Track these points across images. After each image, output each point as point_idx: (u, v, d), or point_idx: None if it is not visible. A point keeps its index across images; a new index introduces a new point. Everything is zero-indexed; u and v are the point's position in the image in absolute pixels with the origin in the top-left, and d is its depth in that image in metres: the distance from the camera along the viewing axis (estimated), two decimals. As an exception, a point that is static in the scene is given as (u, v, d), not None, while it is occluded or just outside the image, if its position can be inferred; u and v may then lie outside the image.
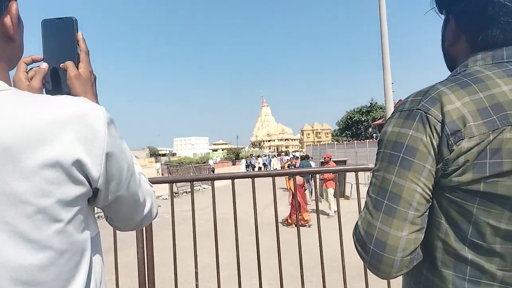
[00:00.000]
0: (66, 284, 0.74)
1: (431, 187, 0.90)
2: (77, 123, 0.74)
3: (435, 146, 0.88)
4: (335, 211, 10.47)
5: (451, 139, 0.86)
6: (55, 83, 0.93)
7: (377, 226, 0.90)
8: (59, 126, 0.72)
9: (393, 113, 0.99)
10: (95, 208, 0.90)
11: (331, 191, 10.95)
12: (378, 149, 0.99)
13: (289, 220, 9.58)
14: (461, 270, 0.90)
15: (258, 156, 46.94)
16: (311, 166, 12.78)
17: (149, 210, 0.99)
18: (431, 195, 0.91)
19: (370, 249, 0.91)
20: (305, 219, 9.56)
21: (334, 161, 13.53)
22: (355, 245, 0.97)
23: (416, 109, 0.91)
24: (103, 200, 0.84)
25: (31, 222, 0.69)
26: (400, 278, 1.06)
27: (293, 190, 9.67)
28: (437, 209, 0.92)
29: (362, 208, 1.03)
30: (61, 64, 0.92)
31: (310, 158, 14.09)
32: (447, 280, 0.91)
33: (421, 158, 0.89)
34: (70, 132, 0.72)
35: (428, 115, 0.89)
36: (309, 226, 9.30)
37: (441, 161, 0.88)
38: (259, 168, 37.27)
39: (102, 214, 1.01)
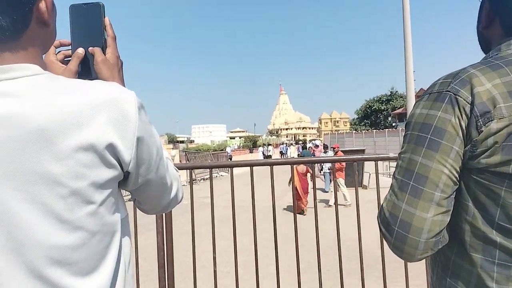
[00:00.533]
0: (97, 264, 0.76)
1: (458, 169, 0.89)
2: (109, 108, 0.75)
3: (464, 127, 0.87)
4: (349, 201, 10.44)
5: (480, 120, 0.85)
6: (83, 68, 0.94)
7: (402, 207, 0.90)
8: (93, 110, 0.73)
9: (421, 95, 0.98)
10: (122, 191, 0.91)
11: (341, 181, 10.92)
12: (405, 132, 0.99)
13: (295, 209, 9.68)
14: (490, 253, 0.89)
15: (269, 145, 46.33)
16: (310, 154, 12.84)
17: (175, 194, 1.00)
18: (458, 177, 0.90)
19: (395, 230, 0.91)
20: (302, 208, 9.65)
21: (352, 150, 13.45)
22: (380, 227, 0.97)
23: (446, 91, 0.91)
24: (133, 183, 0.85)
25: (65, 203, 0.70)
26: (419, 268, 1.05)
27: (300, 179, 9.84)
28: (464, 192, 0.91)
29: (383, 197, 1.02)
30: (89, 49, 0.94)
31: (329, 148, 14.01)
32: (476, 264, 0.90)
33: (449, 139, 0.88)
34: (103, 116, 0.74)
35: (457, 97, 0.88)
36: (304, 215, 9.36)
37: (470, 143, 0.87)
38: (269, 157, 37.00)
39: (129, 197, 1.03)
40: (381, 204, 0.99)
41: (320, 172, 12.59)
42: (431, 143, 0.89)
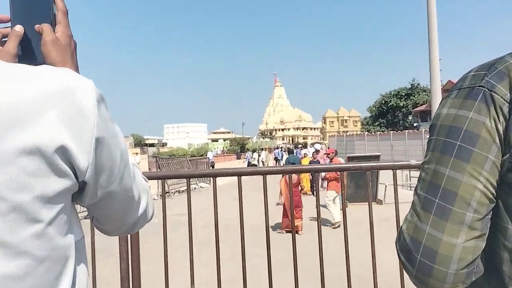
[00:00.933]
0: None
1: (495, 184, 0.89)
2: (61, 101, 0.74)
3: (501, 132, 0.87)
4: (337, 222, 10.47)
5: None
6: (26, 50, 0.92)
7: (426, 231, 0.90)
8: (39, 104, 0.71)
9: (449, 91, 0.98)
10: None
11: (330, 194, 11.01)
12: (429, 137, 0.99)
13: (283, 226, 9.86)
14: None
15: (254, 151, 45.77)
16: (299, 160, 12.95)
17: (144, 210, 1.00)
18: (495, 194, 0.90)
19: (417, 259, 0.91)
20: (296, 225, 9.62)
21: (364, 156, 13.52)
22: (398, 255, 0.97)
23: (479, 86, 0.91)
24: (91, 197, 0.84)
25: (4, 221, 0.68)
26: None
27: (288, 190, 9.89)
28: (502, 212, 0.91)
29: (402, 216, 1.02)
30: (36, 26, 0.92)
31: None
32: None
33: (483, 147, 0.88)
34: (53, 111, 0.72)
35: (493, 94, 0.88)
36: (299, 234, 9.44)
37: (509, 151, 0.87)
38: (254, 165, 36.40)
39: (85, 213, 1.02)
40: (400, 225, 0.99)
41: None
42: (461, 152, 0.89)
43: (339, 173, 10.90)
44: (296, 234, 9.45)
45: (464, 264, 0.88)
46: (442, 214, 0.89)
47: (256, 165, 36.17)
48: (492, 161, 0.88)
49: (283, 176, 10.75)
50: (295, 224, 9.54)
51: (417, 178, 0.99)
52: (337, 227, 10.29)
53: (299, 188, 10.36)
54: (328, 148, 14.58)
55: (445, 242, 0.88)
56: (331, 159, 12.17)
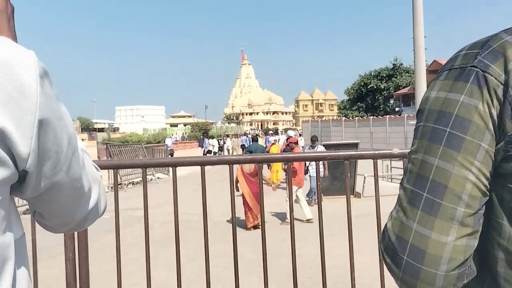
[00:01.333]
0: None
1: (488, 175, 0.90)
2: None
3: (495, 117, 0.88)
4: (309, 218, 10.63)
5: None
6: None
7: (413, 228, 0.90)
8: None
9: (438, 72, 0.99)
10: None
11: (297, 190, 11.13)
12: (416, 123, 0.99)
13: (247, 222, 10.02)
14: None
15: (212, 137, 45.68)
16: (262, 149, 13.09)
17: (95, 203, 0.99)
18: (488, 186, 0.91)
19: (403, 260, 0.91)
20: (257, 222, 9.94)
21: (341, 144, 13.68)
22: (383, 255, 0.97)
23: (471, 66, 0.91)
24: (34, 188, 0.82)
25: None
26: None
27: (246, 180, 10.04)
28: (496, 206, 0.92)
29: (384, 210, 1.03)
30: None
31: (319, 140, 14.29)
32: None
33: (476, 133, 0.88)
34: None
35: (486, 75, 0.89)
36: (257, 228, 9.69)
37: (504, 139, 0.88)
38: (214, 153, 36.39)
39: (24, 208, 1.00)
40: (381, 221, 0.99)
41: (306, 174, 12.77)
42: (451, 139, 0.89)
43: (299, 164, 11.14)
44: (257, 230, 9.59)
45: (455, 264, 0.88)
46: (430, 209, 0.89)
47: (215, 153, 36.20)
48: (485, 150, 0.88)
49: (285, 165, 10.81)
50: (255, 222, 9.73)
51: (398, 169, 1.00)
52: (311, 221, 10.40)
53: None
54: (300, 135, 14.69)
55: (434, 241, 0.88)
56: (292, 149, 12.26)
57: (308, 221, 10.48)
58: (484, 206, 0.91)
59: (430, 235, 0.88)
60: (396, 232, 0.93)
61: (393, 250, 0.93)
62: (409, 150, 0.99)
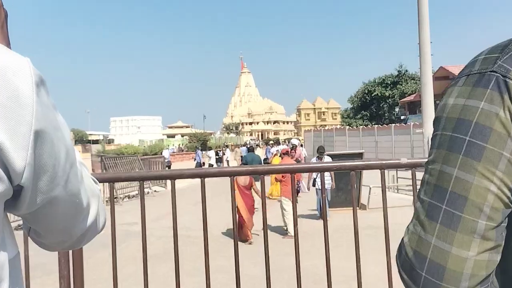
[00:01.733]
0: None
1: (511, 185, 0.89)
2: None
3: None
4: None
5: None
6: None
7: (432, 243, 0.89)
8: None
9: (456, 78, 0.98)
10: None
11: (284, 201, 11.01)
12: (433, 132, 0.98)
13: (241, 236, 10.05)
14: None
15: (210, 149, 45.52)
16: (259, 160, 13.11)
17: (94, 219, 0.98)
18: (511, 197, 0.90)
19: (422, 276, 0.90)
20: (248, 234, 10.02)
21: (345, 154, 13.66)
22: (400, 272, 0.96)
23: (491, 71, 0.91)
24: (29, 204, 0.81)
25: None
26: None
27: (241, 194, 10.10)
28: None
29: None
30: None
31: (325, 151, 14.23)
32: None
33: (497, 142, 0.87)
34: None
35: (507, 80, 0.88)
36: (249, 243, 9.77)
37: None
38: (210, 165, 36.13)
39: (17, 223, 1.00)
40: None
41: (313, 187, 12.78)
42: (471, 148, 0.88)
43: (286, 175, 11.14)
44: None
45: (477, 281, 0.87)
46: (450, 223, 0.88)
47: (211, 165, 36.05)
48: (507, 159, 0.87)
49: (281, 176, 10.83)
50: (247, 233, 9.74)
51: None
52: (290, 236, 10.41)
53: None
54: (302, 145, 14.69)
55: (455, 256, 0.87)
56: (283, 158, 12.32)
57: (287, 235, 10.52)
58: (506, 219, 0.90)
59: (450, 250, 0.87)
60: (414, 247, 0.92)
61: (410, 266, 0.92)
62: (426, 160, 0.97)
